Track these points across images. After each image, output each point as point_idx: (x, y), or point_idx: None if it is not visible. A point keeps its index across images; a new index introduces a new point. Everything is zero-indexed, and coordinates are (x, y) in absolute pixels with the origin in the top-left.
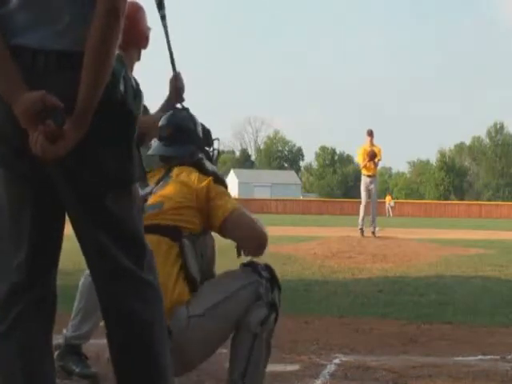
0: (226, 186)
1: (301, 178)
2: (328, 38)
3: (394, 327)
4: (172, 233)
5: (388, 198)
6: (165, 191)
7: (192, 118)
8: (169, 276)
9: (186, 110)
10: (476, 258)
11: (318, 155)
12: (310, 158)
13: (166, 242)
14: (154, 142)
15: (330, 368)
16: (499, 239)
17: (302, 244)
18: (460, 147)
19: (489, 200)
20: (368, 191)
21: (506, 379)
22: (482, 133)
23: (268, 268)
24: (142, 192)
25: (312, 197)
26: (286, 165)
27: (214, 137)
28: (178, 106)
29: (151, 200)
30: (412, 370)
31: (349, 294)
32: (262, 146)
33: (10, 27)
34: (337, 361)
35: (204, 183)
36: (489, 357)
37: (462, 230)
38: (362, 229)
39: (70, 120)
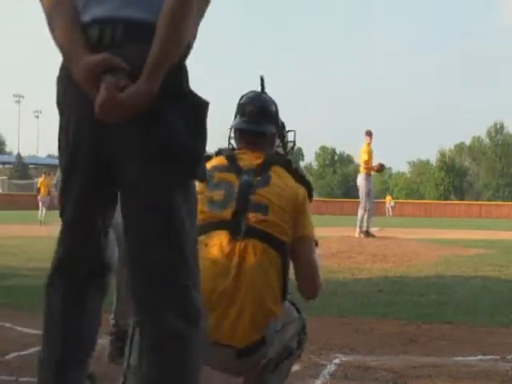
0: (312, 196)
1: None
2: (328, 38)
3: (394, 327)
4: (278, 246)
5: (388, 197)
6: (268, 193)
7: (274, 102)
8: (272, 288)
9: (264, 92)
10: (476, 258)
11: (317, 155)
12: (310, 157)
13: (272, 253)
14: (235, 118)
15: (330, 368)
16: (499, 239)
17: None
18: (460, 147)
19: (489, 200)
20: (369, 190)
21: (506, 379)
22: (482, 133)
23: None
24: (240, 178)
25: None
26: None
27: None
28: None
29: (256, 197)
30: (412, 369)
31: (349, 294)
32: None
33: (81, 3)
34: (337, 361)
35: (302, 195)
36: (489, 357)
37: (462, 230)
38: (364, 230)
39: (138, 81)
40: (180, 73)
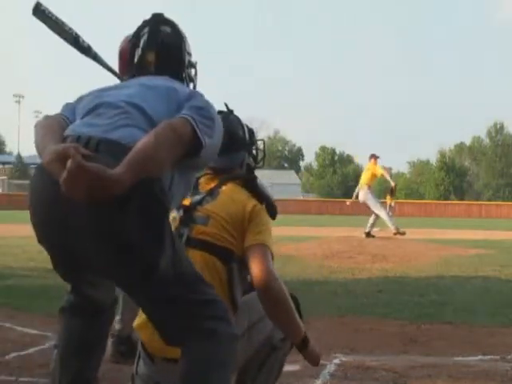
0: (275, 212)
1: (300, 178)
2: (328, 38)
3: (394, 327)
4: (220, 253)
5: (388, 197)
6: (213, 206)
7: (240, 122)
8: None
9: (231, 112)
10: (476, 258)
11: (318, 155)
12: (310, 157)
13: (212, 260)
14: None
15: (330, 368)
16: (499, 239)
17: (302, 244)
18: (460, 147)
19: (489, 200)
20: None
21: (506, 379)
22: (482, 133)
23: (292, 297)
24: (192, 199)
25: (312, 197)
26: (285, 165)
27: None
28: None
29: (201, 212)
30: (412, 370)
31: (349, 294)
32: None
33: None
34: (337, 361)
35: (249, 209)
36: (489, 357)
37: (462, 230)
38: (366, 232)
39: (111, 171)
40: (151, 185)
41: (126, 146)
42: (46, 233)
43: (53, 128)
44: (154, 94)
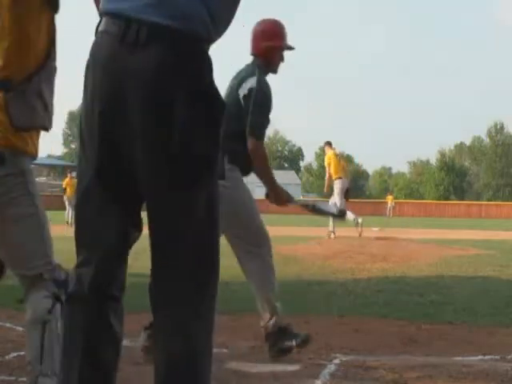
0: None
1: (301, 178)
2: (328, 38)
3: (394, 327)
4: None
5: (390, 197)
6: None
7: None
8: None
9: None
10: (476, 258)
11: (318, 155)
12: (310, 157)
13: None
14: None
15: (330, 368)
16: (499, 239)
17: (301, 244)
18: (460, 147)
19: (489, 200)
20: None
21: (506, 379)
22: (482, 133)
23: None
24: None
25: (312, 197)
26: (286, 165)
27: None
28: None
29: None
30: (412, 370)
31: (349, 294)
32: None
33: None
34: (337, 361)
35: None
36: (489, 357)
37: (462, 230)
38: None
39: None
40: (203, 69)
41: (175, 30)
42: (103, 116)
43: None
44: None
